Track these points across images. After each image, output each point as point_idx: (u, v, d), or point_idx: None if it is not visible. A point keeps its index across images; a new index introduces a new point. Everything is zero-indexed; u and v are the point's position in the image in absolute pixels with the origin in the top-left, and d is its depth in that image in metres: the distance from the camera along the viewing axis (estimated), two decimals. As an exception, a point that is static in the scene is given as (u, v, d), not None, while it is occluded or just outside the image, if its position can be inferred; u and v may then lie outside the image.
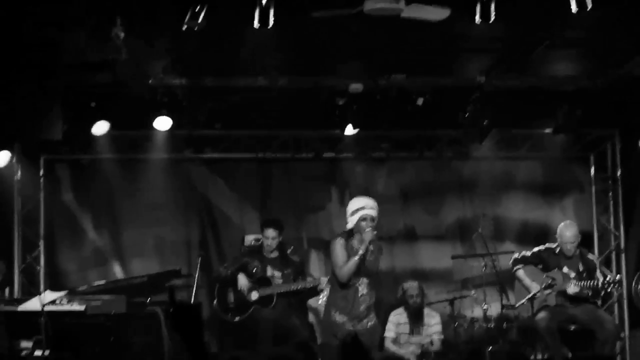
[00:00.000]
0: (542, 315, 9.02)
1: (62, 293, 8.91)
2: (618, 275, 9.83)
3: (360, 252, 7.52)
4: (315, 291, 9.19)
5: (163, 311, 8.81)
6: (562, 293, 9.08)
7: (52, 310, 8.38)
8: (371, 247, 7.61)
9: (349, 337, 6.13)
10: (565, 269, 9.11)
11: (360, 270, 7.64)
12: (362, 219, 7.56)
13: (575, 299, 9.08)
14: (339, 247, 7.69)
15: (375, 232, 7.55)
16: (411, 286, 9.69)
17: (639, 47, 8.19)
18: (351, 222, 7.61)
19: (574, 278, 9.03)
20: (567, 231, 9.15)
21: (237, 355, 5.18)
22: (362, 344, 6.01)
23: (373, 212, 7.61)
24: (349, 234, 7.74)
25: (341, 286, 7.77)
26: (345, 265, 7.61)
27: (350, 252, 7.64)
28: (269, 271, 9.42)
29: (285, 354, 5.49)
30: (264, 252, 9.52)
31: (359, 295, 7.67)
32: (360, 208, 7.61)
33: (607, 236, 10.96)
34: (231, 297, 9.46)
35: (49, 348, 6.55)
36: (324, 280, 8.64)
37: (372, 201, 7.75)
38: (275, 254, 9.50)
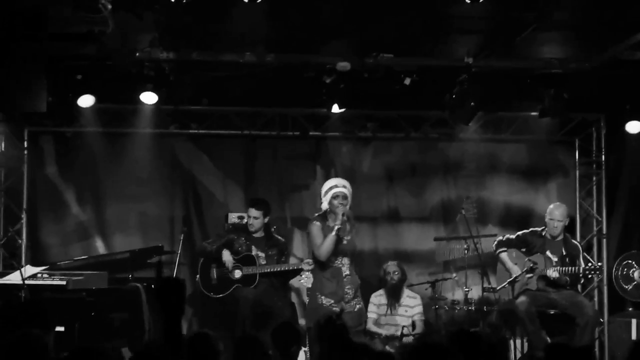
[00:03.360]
0: (522, 299, 9.09)
1: (43, 267, 8.93)
2: (599, 263, 9.95)
3: (336, 227, 7.63)
4: (298, 272, 9.19)
5: (144, 287, 8.86)
6: (544, 277, 9.16)
7: (33, 284, 8.38)
8: (345, 219, 7.71)
9: (322, 319, 6.10)
10: (548, 253, 9.19)
11: (340, 249, 7.70)
12: (334, 196, 7.80)
13: (555, 284, 9.15)
14: (315, 228, 7.87)
15: (347, 209, 7.66)
16: (390, 265, 9.74)
17: (627, 30, 8.17)
18: (325, 201, 7.80)
19: (556, 263, 9.10)
20: (556, 210, 9.39)
21: (204, 333, 5.11)
22: (335, 324, 5.95)
23: (345, 190, 7.81)
24: (324, 216, 7.85)
25: (323, 267, 7.83)
26: (323, 244, 7.70)
27: (326, 232, 7.72)
28: (254, 250, 9.41)
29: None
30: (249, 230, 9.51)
31: (343, 275, 7.74)
32: (333, 187, 7.86)
33: (590, 221, 10.96)
34: (214, 273, 9.45)
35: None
36: (309, 261, 8.60)
37: (343, 181, 7.94)
38: (260, 234, 9.48)
